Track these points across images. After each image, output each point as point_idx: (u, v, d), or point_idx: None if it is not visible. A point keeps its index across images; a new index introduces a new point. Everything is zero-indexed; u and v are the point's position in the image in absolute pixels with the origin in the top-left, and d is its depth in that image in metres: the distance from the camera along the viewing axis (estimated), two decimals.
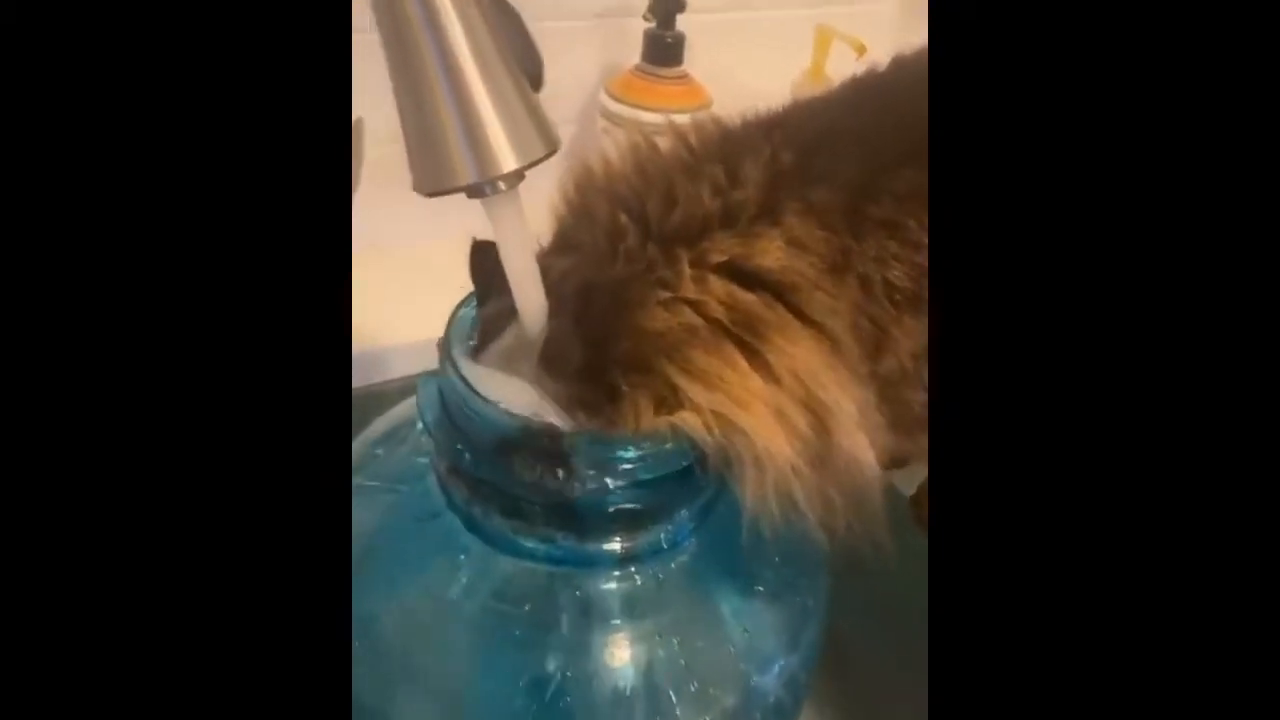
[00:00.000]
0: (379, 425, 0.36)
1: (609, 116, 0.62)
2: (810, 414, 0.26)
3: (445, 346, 0.28)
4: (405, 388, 0.32)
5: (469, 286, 0.31)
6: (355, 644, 0.27)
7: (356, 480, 0.33)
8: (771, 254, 0.25)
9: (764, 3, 0.70)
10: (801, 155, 0.26)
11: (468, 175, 0.25)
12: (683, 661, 0.28)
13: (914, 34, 0.25)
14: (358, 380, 0.53)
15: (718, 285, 0.25)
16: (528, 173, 0.26)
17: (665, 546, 0.29)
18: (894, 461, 0.35)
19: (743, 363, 0.25)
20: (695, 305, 0.25)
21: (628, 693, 0.27)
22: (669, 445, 0.26)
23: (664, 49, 0.61)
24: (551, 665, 0.28)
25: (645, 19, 0.62)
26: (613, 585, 0.28)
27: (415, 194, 0.26)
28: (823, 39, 0.67)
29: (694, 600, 0.30)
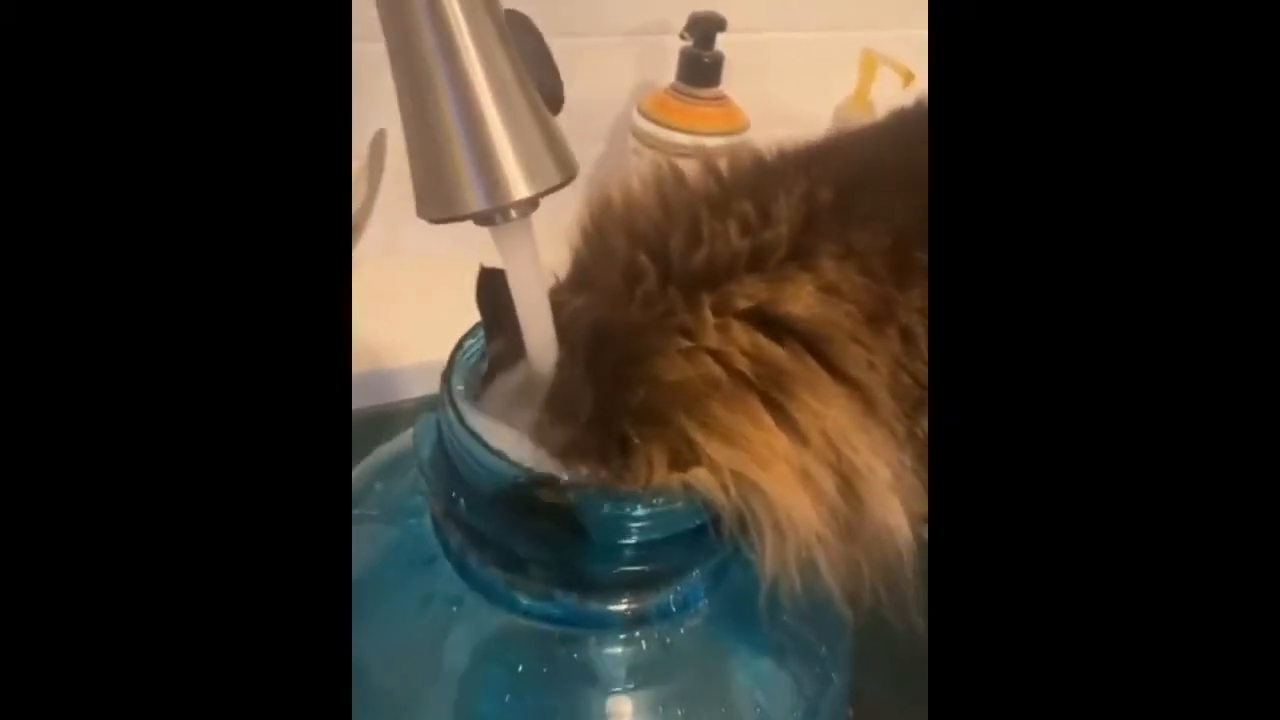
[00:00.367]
0: (385, 451, 0.34)
1: (640, 136, 0.60)
2: (839, 478, 0.24)
3: (446, 382, 0.26)
4: (422, 408, 0.30)
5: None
6: None
7: (357, 510, 0.31)
8: (802, 300, 0.23)
9: (808, 24, 0.68)
10: (841, 194, 0.24)
11: (476, 202, 0.23)
12: None
13: None
14: (372, 399, 0.52)
15: (742, 334, 0.23)
16: (545, 201, 0.24)
17: (674, 609, 0.26)
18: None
19: (767, 419, 0.23)
20: (717, 355, 0.23)
21: None
22: (680, 504, 0.24)
23: (701, 69, 0.59)
24: None
25: (682, 38, 0.60)
26: (615, 649, 0.26)
27: None
28: (868, 64, 0.65)
29: (703, 668, 0.27)
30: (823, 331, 0.23)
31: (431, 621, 0.27)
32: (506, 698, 0.26)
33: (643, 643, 0.26)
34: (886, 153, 0.26)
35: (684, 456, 0.23)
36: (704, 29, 0.59)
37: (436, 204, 0.23)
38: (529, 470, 0.24)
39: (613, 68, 0.64)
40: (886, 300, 0.23)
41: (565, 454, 0.24)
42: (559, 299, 0.26)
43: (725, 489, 0.23)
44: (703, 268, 0.23)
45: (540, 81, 0.24)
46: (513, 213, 0.24)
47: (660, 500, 0.24)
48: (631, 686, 0.26)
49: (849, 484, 0.23)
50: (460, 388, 0.27)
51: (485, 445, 0.24)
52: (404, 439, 0.34)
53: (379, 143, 0.50)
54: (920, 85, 0.61)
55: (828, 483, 0.23)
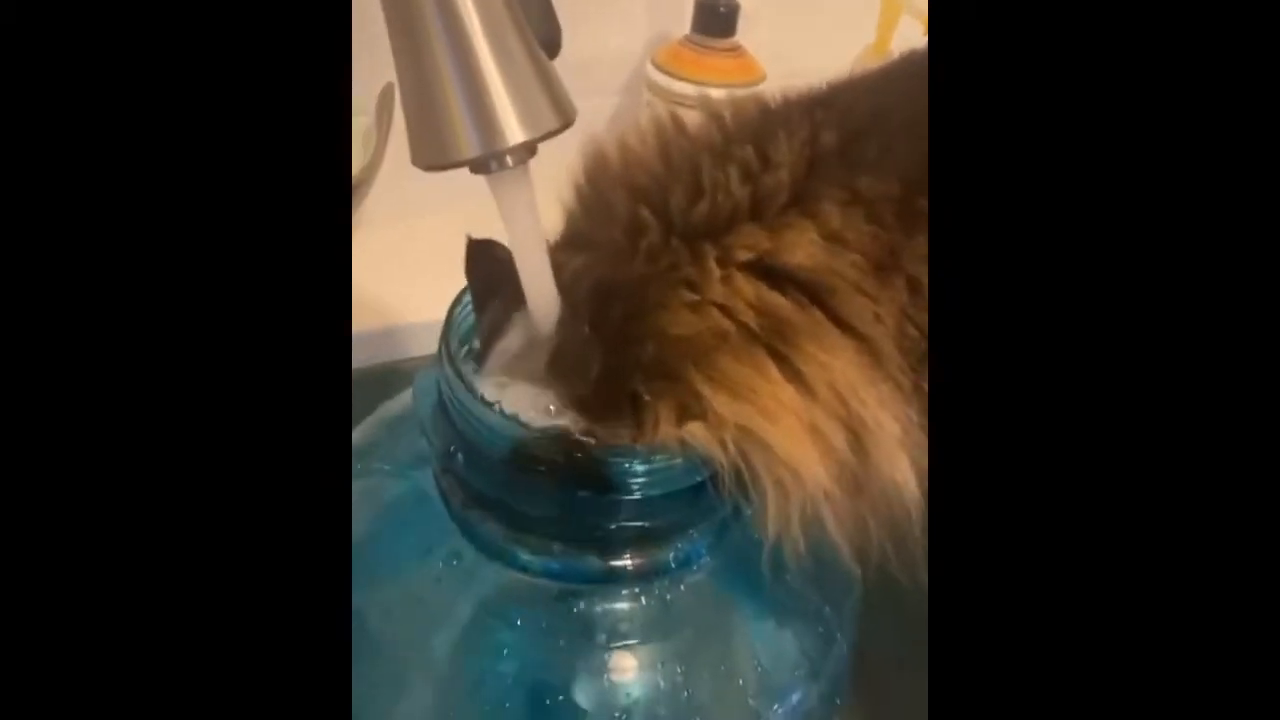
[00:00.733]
0: (392, 407, 0.34)
1: (654, 89, 0.59)
2: (848, 432, 0.23)
3: (444, 339, 0.26)
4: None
5: None
6: None
7: (361, 465, 0.31)
8: (802, 249, 0.22)
9: None
10: (847, 138, 0.23)
11: (471, 148, 0.22)
12: (685, 694, 0.26)
13: None
14: (381, 356, 0.51)
15: (746, 286, 0.22)
16: (542, 164, 0.23)
17: (674, 566, 0.26)
18: None
19: (774, 372, 0.22)
20: (723, 308, 0.22)
21: None
22: (680, 460, 0.23)
23: (716, 18, 0.58)
24: (540, 688, 0.25)
25: None
26: (614, 605, 0.26)
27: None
28: (889, 11, 0.62)
29: (704, 626, 0.27)
30: (825, 281, 0.22)
31: (431, 575, 0.27)
32: (505, 651, 0.26)
33: (643, 599, 0.26)
34: (893, 97, 0.25)
35: (691, 411, 0.23)
36: None
37: (430, 150, 0.23)
38: (527, 426, 0.23)
39: (627, 19, 0.62)
40: (893, 249, 0.22)
41: (574, 412, 0.23)
42: (556, 259, 0.25)
43: (723, 444, 0.22)
44: (705, 219, 0.23)
45: (537, 25, 0.23)
46: (509, 160, 0.23)
47: (660, 457, 0.23)
48: (631, 643, 0.26)
49: (857, 438, 0.23)
50: (458, 345, 0.27)
51: (483, 401, 0.24)
52: (410, 395, 0.34)
53: (387, 96, 0.49)
54: None
55: (837, 437, 0.23)
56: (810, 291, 0.22)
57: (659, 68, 0.59)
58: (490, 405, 0.24)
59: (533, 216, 0.25)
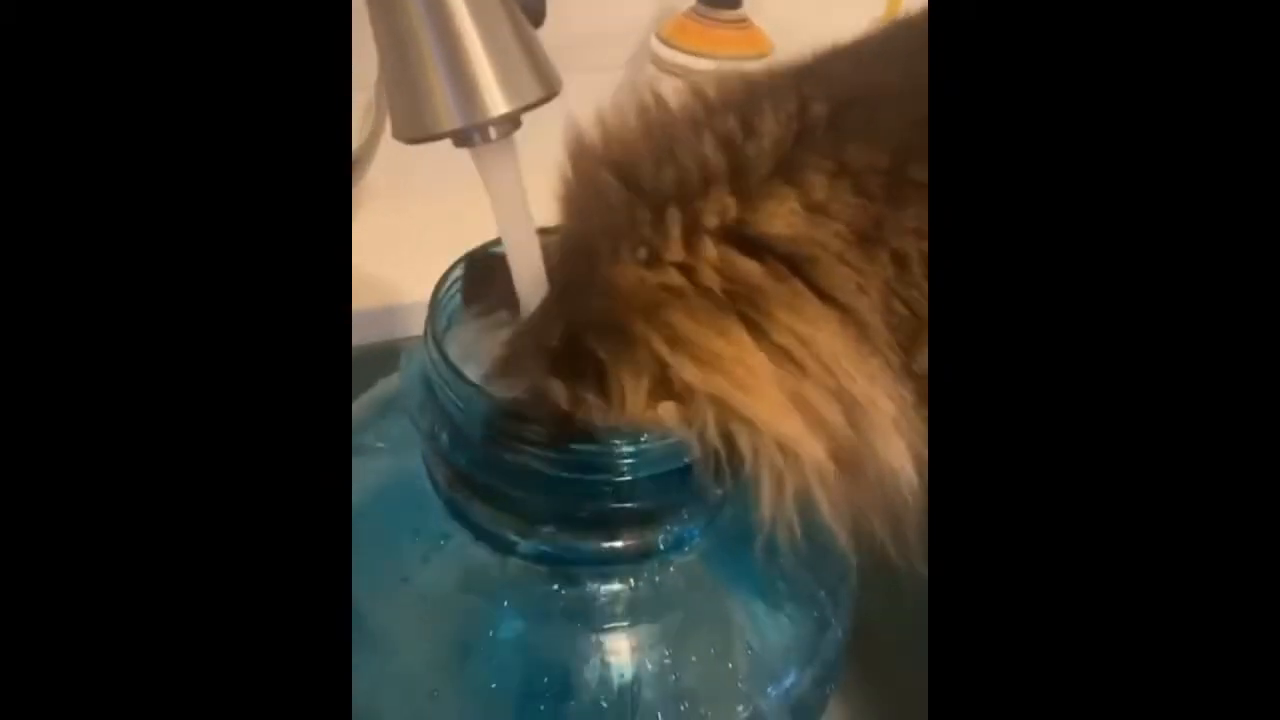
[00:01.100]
0: (388, 384, 0.33)
1: (659, 63, 0.58)
2: (841, 405, 0.22)
3: (430, 320, 0.25)
4: None
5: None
6: None
7: (360, 441, 0.30)
8: (781, 218, 0.21)
9: None
10: (836, 108, 0.22)
11: (452, 119, 0.22)
12: (674, 677, 0.25)
13: None
14: (381, 335, 0.51)
15: (710, 249, 0.21)
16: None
17: (663, 548, 0.26)
18: None
19: (741, 335, 0.21)
20: (683, 268, 0.22)
21: (607, 709, 0.24)
22: (670, 440, 0.23)
23: None
24: (528, 670, 0.25)
25: None
26: (603, 587, 0.26)
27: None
28: None
29: (694, 609, 0.27)
30: (806, 251, 0.21)
31: (419, 555, 0.27)
32: (491, 633, 0.25)
33: (632, 580, 0.26)
34: (882, 65, 0.24)
35: (660, 383, 0.22)
36: None
37: (410, 122, 0.22)
38: (508, 403, 0.23)
39: None
40: (878, 221, 0.21)
41: (544, 379, 0.23)
42: (547, 241, 0.25)
43: (701, 422, 0.21)
44: (674, 183, 0.22)
45: None
46: (492, 132, 0.23)
47: (647, 438, 0.23)
48: (620, 625, 0.26)
49: (851, 415, 0.22)
50: (444, 325, 0.27)
51: (464, 379, 0.23)
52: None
53: None
54: None
55: (830, 409, 0.22)
56: (790, 261, 0.21)
57: (664, 41, 0.58)
58: (469, 381, 0.23)
59: (518, 191, 0.24)
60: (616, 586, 0.26)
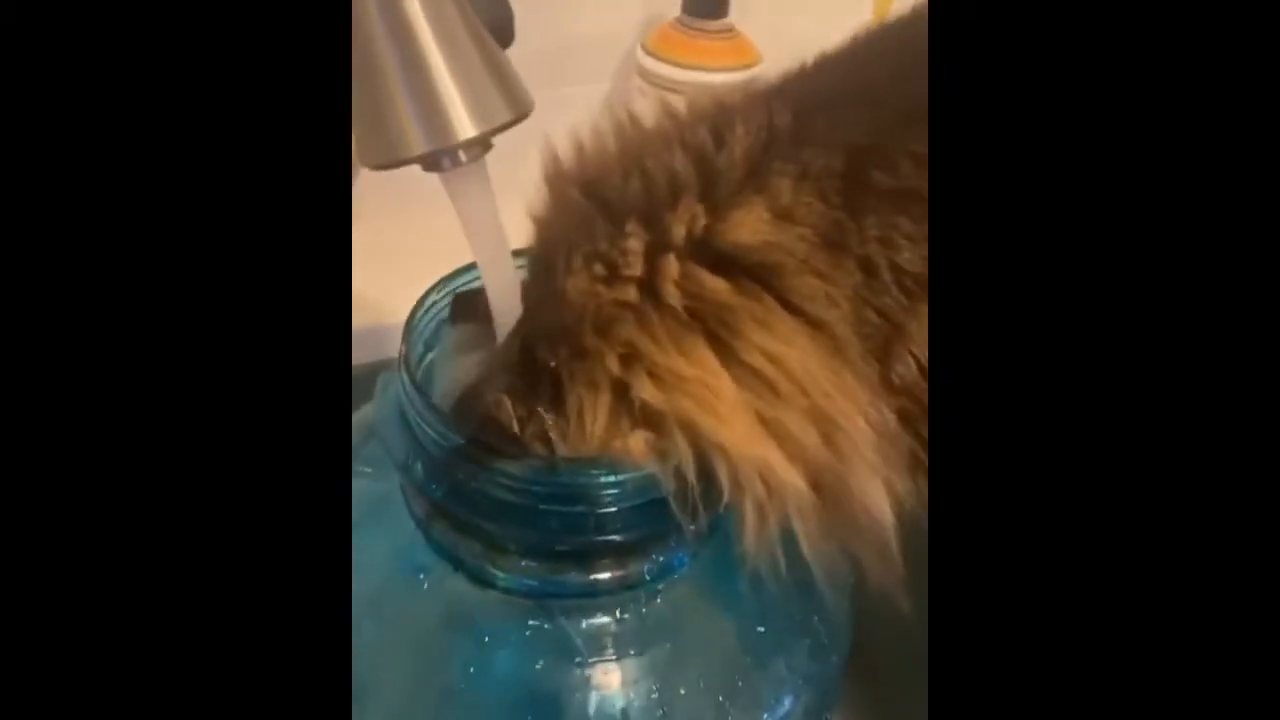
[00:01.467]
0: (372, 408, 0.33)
1: (645, 75, 0.57)
2: (817, 428, 0.21)
3: (404, 347, 0.25)
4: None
5: None
6: None
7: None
8: (748, 226, 0.20)
9: None
10: (798, 117, 0.21)
11: (419, 144, 0.21)
12: (662, 712, 0.25)
13: None
14: (373, 355, 0.51)
15: (672, 265, 0.21)
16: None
17: (649, 578, 0.25)
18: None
19: (705, 355, 0.21)
20: (643, 285, 0.21)
21: None
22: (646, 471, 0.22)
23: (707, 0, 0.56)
24: (510, 706, 0.24)
25: None
26: (587, 619, 0.25)
27: None
28: None
29: (682, 639, 0.26)
30: (772, 260, 0.20)
31: (398, 588, 0.26)
32: (471, 669, 0.25)
33: (618, 612, 0.25)
34: (845, 73, 0.23)
35: (629, 408, 0.21)
36: None
37: (376, 148, 0.22)
38: (466, 427, 0.22)
39: (618, 1, 0.60)
40: (841, 226, 0.20)
41: (496, 396, 0.22)
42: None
43: (677, 455, 0.21)
44: (639, 195, 0.21)
45: (484, 10, 0.21)
46: (462, 155, 0.22)
47: (626, 470, 0.22)
48: (606, 658, 0.25)
49: (827, 436, 0.21)
50: (421, 351, 0.26)
51: (435, 407, 0.23)
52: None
53: None
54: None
55: (807, 434, 0.21)
56: (758, 274, 0.21)
57: (649, 52, 0.57)
58: (435, 409, 0.23)
59: (492, 214, 0.24)
60: (602, 619, 0.25)
